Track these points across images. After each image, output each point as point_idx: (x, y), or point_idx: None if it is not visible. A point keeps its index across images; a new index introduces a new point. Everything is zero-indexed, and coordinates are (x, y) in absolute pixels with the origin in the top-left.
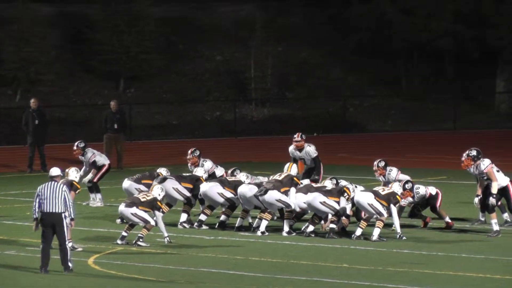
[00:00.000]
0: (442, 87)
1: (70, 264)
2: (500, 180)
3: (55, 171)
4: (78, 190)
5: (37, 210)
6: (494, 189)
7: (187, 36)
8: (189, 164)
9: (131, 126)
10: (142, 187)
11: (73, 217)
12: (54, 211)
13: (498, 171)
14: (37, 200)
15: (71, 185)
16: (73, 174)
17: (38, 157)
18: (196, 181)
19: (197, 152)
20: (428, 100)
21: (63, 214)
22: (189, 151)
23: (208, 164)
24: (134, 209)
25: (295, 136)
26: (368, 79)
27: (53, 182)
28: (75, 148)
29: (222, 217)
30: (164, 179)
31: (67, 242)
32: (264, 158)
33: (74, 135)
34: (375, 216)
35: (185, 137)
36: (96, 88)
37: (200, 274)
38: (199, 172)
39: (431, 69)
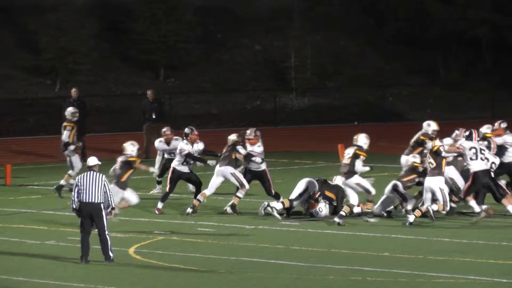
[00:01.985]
0: (479, 75)
1: (111, 254)
2: None
3: (92, 160)
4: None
5: (75, 200)
6: None
7: (225, 25)
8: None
9: (172, 116)
10: None
11: (113, 206)
12: (92, 201)
13: None
14: (76, 190)
15: (128, 163)
16: (130, 148)
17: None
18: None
19: (258, 133)
20: (466, 88)
21: (102, 204)
22: (250, 131)
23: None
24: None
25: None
26: (406, 68)
27: (92, 172)
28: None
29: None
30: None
31: (107, 232)
32: (304, 147)
33: (113, 125)
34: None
35: (225, 126)
36: (135, 77)
37: (241, 264)
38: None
39: (469, 57)
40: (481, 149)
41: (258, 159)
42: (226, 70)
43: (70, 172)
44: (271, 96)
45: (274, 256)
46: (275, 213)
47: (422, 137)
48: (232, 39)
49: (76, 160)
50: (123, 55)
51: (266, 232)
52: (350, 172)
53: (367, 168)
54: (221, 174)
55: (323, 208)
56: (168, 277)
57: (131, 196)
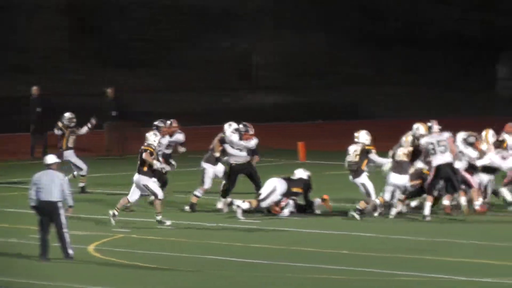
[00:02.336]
0: (470, 74)
1: (70, 251)
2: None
3: (50, 159)
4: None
5: (33, 198)
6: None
7: (191, 23)
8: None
9: (138, 114)
10: None
11: (71, 204)
12: (50, 199)
13: None
14: (34, 188)
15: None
16: (152, 138)
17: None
18: None
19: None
20: (449, 87)
21: (59, 203)
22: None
23: None
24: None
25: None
26: (389, 67)
27: (49, 170)
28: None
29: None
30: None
31: (65, 230)
32: (268, 145)
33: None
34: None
35: (191, 125)
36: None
37: (201, 261)
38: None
39: (459, 57)
40: (438, 142)
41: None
42: (193, 68)
43: (81, 172)
44: (236, 94)
45: (235, 254)
46: (239, 214)
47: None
48: (198, 37)
49: (76, 160)
50: (85, 53)
51: (227, 230)
52: (358, 170)
53: (389, 160)
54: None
55: (286, 211)
56: (128, 275)
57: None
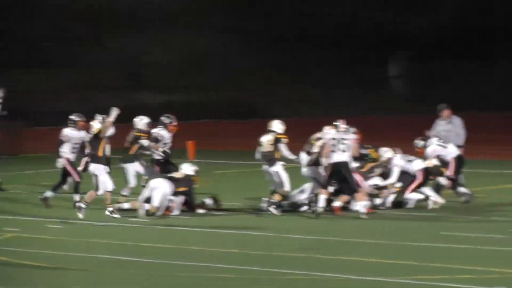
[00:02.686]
0: (340, 73)
1: None
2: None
3: None
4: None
5: None
6: None
7: (87, 24)
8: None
9: (32, 113)
10: None
11: None
12: None
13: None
14: None
15: None
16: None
17: None
18: None
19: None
20: (327, 85)
21: None
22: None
23: None
24: None
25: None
26: (273, 66)
27: None
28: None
29: None
30: None
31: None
32: None
33: None
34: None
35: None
36: None
37: (92, 260)
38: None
39: (326, 56)
40: (342, 140)
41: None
42: (85, 68)
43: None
44: (131, 93)
45: (124, 252)
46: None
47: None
48: (93, 38)
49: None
50: None
51: (116, 229)
52: (273, 159)
53: (295, 157)
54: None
55: (176, 211)
56: (17, 274)
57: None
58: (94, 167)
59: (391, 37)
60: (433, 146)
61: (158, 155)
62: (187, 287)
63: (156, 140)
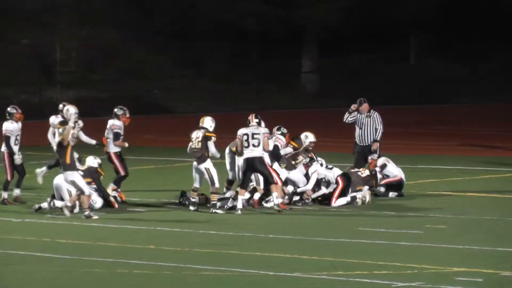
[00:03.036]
0: (246, 67)
1: None
2: None
3: None
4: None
5: None
6: None
7: None
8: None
9: None
10: None
11: None
12: None
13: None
14: None
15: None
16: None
17: None
18: None
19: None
20: (232, 80)
21: None
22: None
23: None
24: None
25: None
26: (173, 60)
27: None
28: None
29: None
30: None
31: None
32: None
33: None
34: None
35: None
36: None
37: (6, 256)
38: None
39: (236, 49)
40: (253, 134)
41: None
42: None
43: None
44: (38, 90)
45: (40, 249)
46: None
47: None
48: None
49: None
50: None
51: (32, 225)
52: (202, 156)
53: (219, 155)
54: None
55: (96, 199)
56: None
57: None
58: (67, 176)
59: (297, 31)
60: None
61: None
62: (102, 282)
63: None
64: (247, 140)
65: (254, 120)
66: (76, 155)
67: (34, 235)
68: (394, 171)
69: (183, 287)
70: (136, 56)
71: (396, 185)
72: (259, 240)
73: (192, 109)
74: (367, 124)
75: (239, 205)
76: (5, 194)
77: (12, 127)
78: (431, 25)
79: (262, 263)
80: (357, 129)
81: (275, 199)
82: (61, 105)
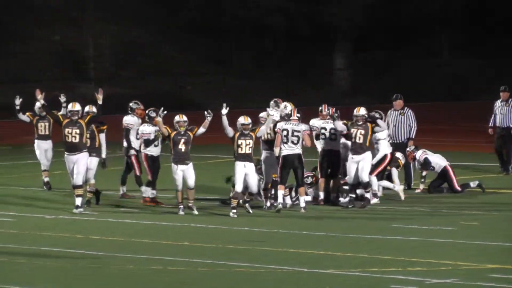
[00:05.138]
0: (274, 64)
1: None
2: None
3: None
4: None
5: None
6: None
7: (18, 16)
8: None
9: None
10: None
11: None
12: None
13: None
14: None
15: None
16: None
17: None
18: None
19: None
20: (260, 77)
21: None
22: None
23: None
24: None
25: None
26: (199, 57)
27: None
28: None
29: None
30: None
31: None
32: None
33: None
34: None
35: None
36: None
37: (41, 253)
38: None
39: (262, 46)
40: (293, 131)
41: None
42: (21, 62)
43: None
44: (69, 86)
45: (73, 245)
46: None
47: None
48: (26, 30)
49: None
50: None
51: (66, 222)
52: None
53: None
54: None
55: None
56: None
57: None
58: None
59: (327, 28)
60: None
61: None
62: (136, 279)
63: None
64: (286, 136)
65: (295, 115)
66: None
67: (67, 232)
68: (437, 160)
69: (217, 283)
70: (163, 52)
71: (443, 174)
72: (293, 236)
73: (218, 105)
74: (401, 121)
75: (280, 199)
76: (148, 193)
77: (133, 120)
78: (459, 21)
79: (296, 260)
80: (391, 126)
81: (302, 202)
82: (132, 104)
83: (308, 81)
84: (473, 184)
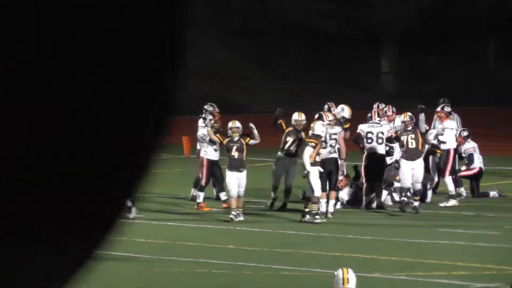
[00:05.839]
0: (319, 68)
1: None
2: None
3: None
4: None
5: None
6: None
7: None
8: None
9: None
10: None
11: None
12: None
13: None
14: None
15: None
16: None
17: None
18: None
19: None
20: (305, 81)
21: None
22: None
23: None
24: None
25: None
26: (246, 60)
27: None
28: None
29: None
30: None
31: None
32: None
33: None
34: None
35: None
36: None
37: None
38: None
39: (309, 50)
40: (331, 135)
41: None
42: None
43: None
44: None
45: (118, 248)
46: None
47: None
48: None
49: None
50: None
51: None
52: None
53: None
54: None
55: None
56: None
57: None
58: None
59: (373, 32)
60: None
61: None
62: (181, 282)
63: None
64: (324, 141)
65: (327, 119)
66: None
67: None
68: (476, 162)
69: (261, 287)
70: (209, 55)
71: (475, 176)
72: (338, 240)
73: (264, 109)
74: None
75: (331, 209)
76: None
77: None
78: (507, 26)
79: (341, 264)
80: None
81: (331, 207)
82: (207, 106)
83: (355, 84)
84: (492, 193)
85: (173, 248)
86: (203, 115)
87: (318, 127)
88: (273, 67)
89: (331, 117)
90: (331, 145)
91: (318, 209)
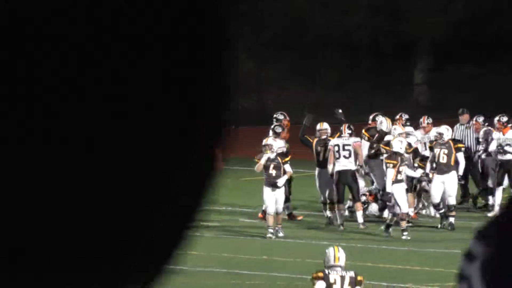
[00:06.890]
0: (357, 80)
1: None
2: None
3: None
4: None
5: None
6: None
7: None
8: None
9: None
10: None
11: None
12: None
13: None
14: None
15: None
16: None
17: None
18: None
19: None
20: (343, 92)
21: None
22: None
23: None
24: None
25: None
26: (283, 73)
27: None
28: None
29: None
30: None
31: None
32: None
33: None
34: None
35: None
36: None
37: None
38: None
39: (346, 62)
40: (344, 146)
41: None
42: None
43: None
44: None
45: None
46: None
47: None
48: None
49: None
50: None
51: None
52: None
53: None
54: None
55: None
56: None
57: None
58: None
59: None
60: None
61: None
62: None
63: None
64: (338, 151)
65: (346, 131)
66: None
67: None
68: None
69: None
70: (244, 67)
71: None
72: (371, 250)
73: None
74: (467, 135)
75: (360, 219)
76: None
77: (280, 144)
78: None
79: (374, 274)
80: None
81: (360, 218)
82: (278, 115)
83: (389, 96)
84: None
85: (207, 260)
86: (273, 126)
87: (396, 144)
88: (310, 80)
89: (349, 131)
90: (344, 156)
91: (406, 226)
